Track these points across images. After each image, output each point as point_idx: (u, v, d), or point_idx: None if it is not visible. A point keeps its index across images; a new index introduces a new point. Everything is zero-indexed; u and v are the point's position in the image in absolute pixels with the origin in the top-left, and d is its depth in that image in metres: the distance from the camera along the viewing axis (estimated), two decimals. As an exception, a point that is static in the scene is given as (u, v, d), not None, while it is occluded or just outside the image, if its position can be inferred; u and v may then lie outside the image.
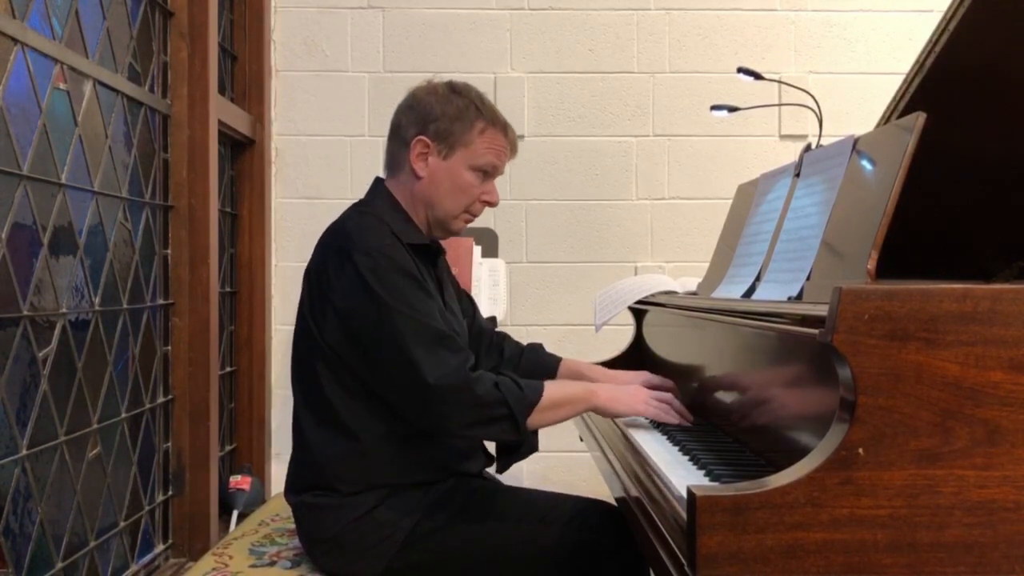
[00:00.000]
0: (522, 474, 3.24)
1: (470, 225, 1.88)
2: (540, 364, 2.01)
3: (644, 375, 1.92)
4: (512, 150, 1.82)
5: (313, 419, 1.70)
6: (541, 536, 1.65)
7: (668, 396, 1.76)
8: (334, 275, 1.64)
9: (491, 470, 1.91)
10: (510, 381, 1.64)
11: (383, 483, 1.67)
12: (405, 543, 1.64)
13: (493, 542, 1.65)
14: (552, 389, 1.67)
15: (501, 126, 1.79)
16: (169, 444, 2.55)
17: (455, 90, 1.78)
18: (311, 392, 1.71)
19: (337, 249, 1.67)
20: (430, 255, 1.81)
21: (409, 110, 1.78)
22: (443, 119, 1.74)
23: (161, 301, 2.53)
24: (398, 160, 1.79)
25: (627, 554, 1.64)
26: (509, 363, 1.99)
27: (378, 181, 1.84)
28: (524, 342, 2.08)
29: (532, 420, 1.63)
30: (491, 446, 1.87)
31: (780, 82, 2.65)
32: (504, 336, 2.07)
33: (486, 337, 2.03)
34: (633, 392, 1.75)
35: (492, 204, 1.82)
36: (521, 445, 1.77)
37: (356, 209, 1.79)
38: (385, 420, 1.66)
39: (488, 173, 1.78)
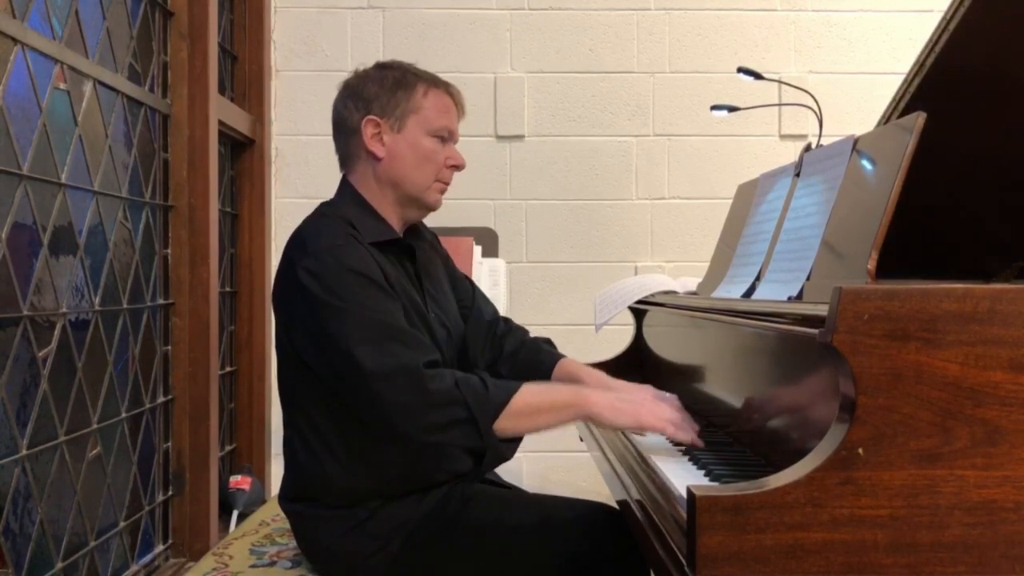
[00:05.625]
0: (521, 475, 3.24)
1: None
2: (535, 362, 1.86)
3: (648, 389, 1.80)
4: (460, 109, 1.75)
5: (297, 431, 1.65)
6: (540, 544, 1.58)
7: (678, 406, 1.58)
8: (293, 285, 1.57)
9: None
10: (476, 380, 1.49)
11: (371, 495, 1.60)
12: (400, 554, 1.58)
13: (490, 551, 1.59)
14: (531, 391, 1.51)
15: (443, 85, 1.73)
16: (169, 444, 2.55)
17: (384, 66, 1.73)
18: (294, 403, 1.67)
19: (291, 256, 1.61)
20: (402, 250, 1.71)
21: (347, 99, 1.72)
22: (384, 93, 1.68)
23: (161, 301, 2.52)
24: (351, 152, 1.73)
25: (629, 561, 1.56)
26: (508, 359, 1.88)
27: (344, 178, 1.77)
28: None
29: (501, 426, 1.48)
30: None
31: (780, 82, 2.65)
32: (511, 328, 1.93)
33: (486, 327, 1.89)
34: (639, 400, 1.56)
35: (459, 167, 1.74)
36: (484, 454, 1.53)
37: (318, 210, 1.73)
38: (362, 431, 1.57)
39: (445, 139, 1.71)
